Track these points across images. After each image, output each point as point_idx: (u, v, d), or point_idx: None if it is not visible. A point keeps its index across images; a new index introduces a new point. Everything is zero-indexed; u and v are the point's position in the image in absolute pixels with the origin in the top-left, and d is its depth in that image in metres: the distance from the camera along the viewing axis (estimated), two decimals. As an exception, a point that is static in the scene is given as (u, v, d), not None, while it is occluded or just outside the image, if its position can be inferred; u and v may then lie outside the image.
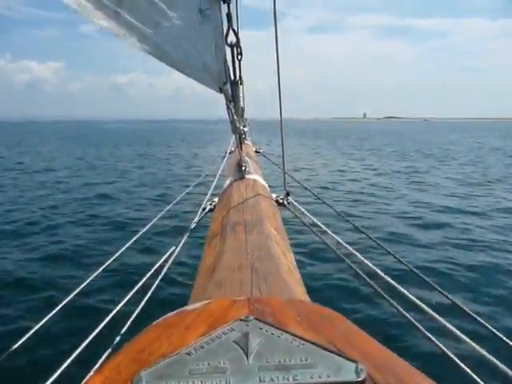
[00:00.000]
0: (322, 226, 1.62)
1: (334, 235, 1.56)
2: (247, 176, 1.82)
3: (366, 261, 1.32)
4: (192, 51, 1.38)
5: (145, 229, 1.87)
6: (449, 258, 5.54)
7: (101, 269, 1.31)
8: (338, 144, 34.32)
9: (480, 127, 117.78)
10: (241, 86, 3.09)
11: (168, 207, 2.23)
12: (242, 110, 3.43)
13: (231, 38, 1.57)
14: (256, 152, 3.65)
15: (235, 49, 1.63)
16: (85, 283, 1.22)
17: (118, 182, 12.61)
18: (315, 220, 1.67)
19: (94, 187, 11.49)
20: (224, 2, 1.47)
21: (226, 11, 1.51)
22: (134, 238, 1.70)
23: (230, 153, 3.44)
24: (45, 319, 1.08)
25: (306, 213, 1.72)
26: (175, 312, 0.67)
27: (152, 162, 18.63)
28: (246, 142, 3.16)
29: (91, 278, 1.26)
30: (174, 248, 1.55)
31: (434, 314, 0.99)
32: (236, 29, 1.59)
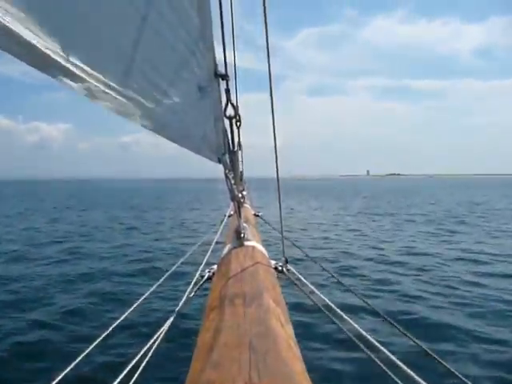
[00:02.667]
0: (321, 295, 1.58)
1: (332, 305, 1.52)
2: (246, 243, 1.81)
3: (367, 336, 1.28)
4: (191, 126, 1.43)
5: (142, 297, 1.83)
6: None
7: (89, 349, 1.26)
8: (348, 207, 30.12)
9: (493, 184, 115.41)
10: (239, 152, 3.19)
11: (166, 274, 2.20)
12: (241, 174, 3.51)
13: (230, 111, 1.64)
14: (255, 215, 3.66)
15: (234, 120, 1.70)
16: (71, 366, 1.18)
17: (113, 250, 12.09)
18: (314, 289, 1.64)
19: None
20: (223, 79, 1.55)
21: (225, 87, 1.60)
22: (130, 310, 1.66)
23: (228, 216, 3.45)
24: None
25: (304, 281, 1.69)
26: None
27: (149, 225, 18.05)
28: (244, 205, 3.19)
29: (77, 361, 1.21)
30: (172, 317, 1.52)
31: None
32: (235, 102, 1.67)
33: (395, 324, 1.54)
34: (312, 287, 1.65)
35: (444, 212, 24.55)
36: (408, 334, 1.41)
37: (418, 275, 8.46)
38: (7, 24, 0.86)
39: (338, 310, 1.48)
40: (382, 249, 11.83)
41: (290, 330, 1.16)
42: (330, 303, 1.53)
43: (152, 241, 13.62)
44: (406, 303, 6.53)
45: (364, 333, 1.30)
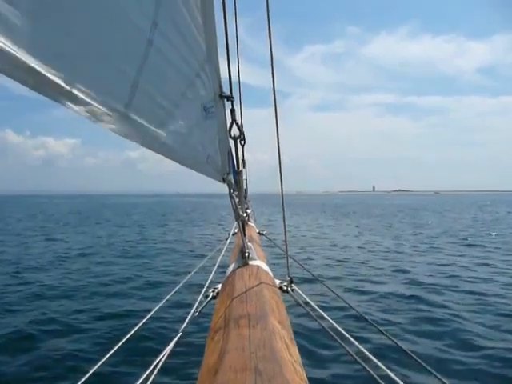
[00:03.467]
0: (326, 316, 1.56)
1: (338, 326, 1.49)
2: (250, 262, 1.79)
3: (374, 358, 1.25)
4: (196, 146, 1.44)
5: (147, 317, 1.81)
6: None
7: (91, 372, 1.24)
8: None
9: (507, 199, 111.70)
10: (244, 170, 3.19)
11: (171, 293, 2.18)
12: (245, 192, 3.50)
13: (234, 131, 1.65)
14: (259, 233, 3.63)
15: (238, 140, 1.70)
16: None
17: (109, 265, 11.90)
18: (318, 309, 1.62)
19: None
20: (228, 100, 1.57)
21: (230, 107, 1.61)
22: (134, 330, 1.64)
23: (233, 234, 3.43)
24: None
25: (309, 301, 1.67)
26: None
27: (153, 243, 17.33)
28: (248, 223, 3.17)
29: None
30: (177, 337, 1.50)
31: None
32: (239, 122, 1.68)
33: (403, 347, 1.50)
34: (317, 308, 1.63)
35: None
36: (417, 359, 1.38)
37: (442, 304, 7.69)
38: (7, 48, 0.87)
39: (344, 332, 1.46)
40: (392, 269, 11.20)
41: (295, 352, 1.14)
42: (335, 324, 1.51)
43: (155, 258, 13.38)
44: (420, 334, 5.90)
45: (370, 355, 1.28)
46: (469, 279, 9.90)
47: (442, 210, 51.87)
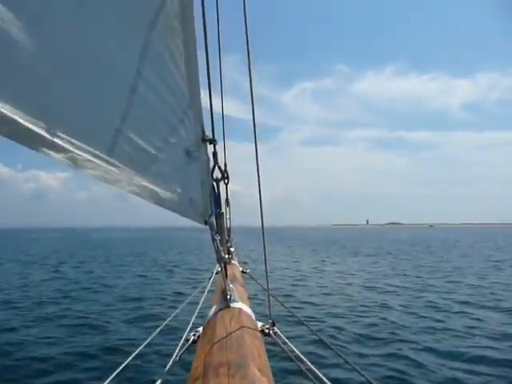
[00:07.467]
0: (306, 361, 1.54)
1: (318, 372, 1.46)
2: (232, 305, 1.77)
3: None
4: (178, 189, 1.45)
5: (126, 361, 1.75)
6: None
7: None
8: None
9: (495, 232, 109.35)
10: (227, 208, 3.16)
11: (151, 336, 2.11)
12: (229, 230, 3.45)
13: (217, 174, 1.67)
14: (243, 272, 3.57)
15: (221, 182, 1.72)
16: None
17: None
18: (300, 354, 1.59)
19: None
20: (210, 143, 1.59)
21: (212, 150, 1.63)
22: (113, 375, 1.59)
23: (216, 273, 3.37)
24: None
25: (290, 345, 1.64)
26: None
27: (133, 283, 15.34)
28: (232, 261, 3.12)
29: None
30: (160, 382, 1.46)
31: None
32: (222, 165, 1.70)
33: None
34: (297, 352, 1.60)
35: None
36: None
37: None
38: None
39: (322, 376, 1.42)
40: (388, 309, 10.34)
41: None
42: (314, 369, 1.47)
43: (134, 300, 11.96)
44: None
45: None
46: None
47: (452, 245, 47.04)
